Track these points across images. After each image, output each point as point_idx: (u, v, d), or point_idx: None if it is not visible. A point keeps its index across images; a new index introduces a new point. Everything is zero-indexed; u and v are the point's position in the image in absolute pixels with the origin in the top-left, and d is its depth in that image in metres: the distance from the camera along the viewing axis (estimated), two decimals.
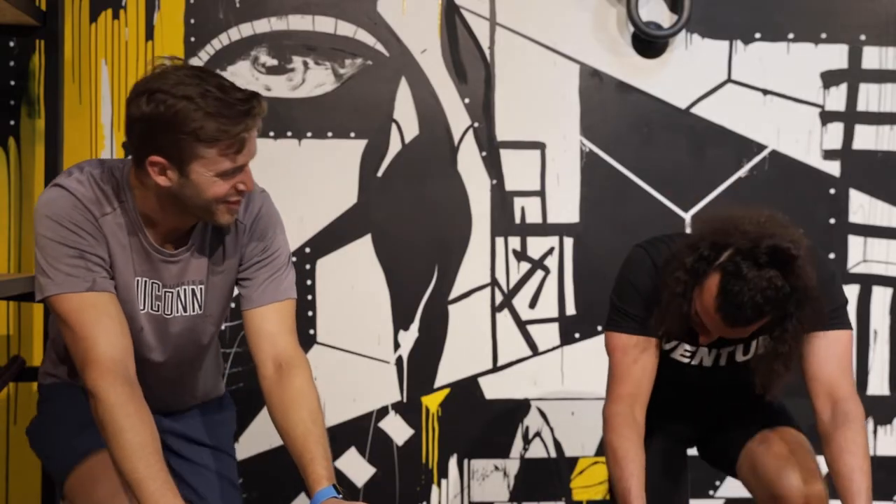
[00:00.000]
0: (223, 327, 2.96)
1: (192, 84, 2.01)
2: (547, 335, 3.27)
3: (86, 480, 2.17)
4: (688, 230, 2.95)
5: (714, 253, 2.22)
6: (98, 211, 2.12)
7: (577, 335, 3.27)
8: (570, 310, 3.27)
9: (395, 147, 3.23)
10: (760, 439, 2.52)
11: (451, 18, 3.22)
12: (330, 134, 3.21)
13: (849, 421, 2.32)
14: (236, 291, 2.33)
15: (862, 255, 3.31)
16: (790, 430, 2.53)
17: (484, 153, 3.25)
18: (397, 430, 3.26)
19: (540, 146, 3.25)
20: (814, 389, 2.37)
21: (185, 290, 2.23)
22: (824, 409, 2.35)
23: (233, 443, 2.56)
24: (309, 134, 3.20)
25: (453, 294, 3.25)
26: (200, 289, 2.25)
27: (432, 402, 3.26)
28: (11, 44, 3.12)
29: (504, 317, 3.26)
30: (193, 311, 2.26)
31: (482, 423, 3.27)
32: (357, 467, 3.25)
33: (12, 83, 3.14)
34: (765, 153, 3.28)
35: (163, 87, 2.01)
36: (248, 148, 2.07)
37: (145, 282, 2.19)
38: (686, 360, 2.47)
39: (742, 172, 3.27)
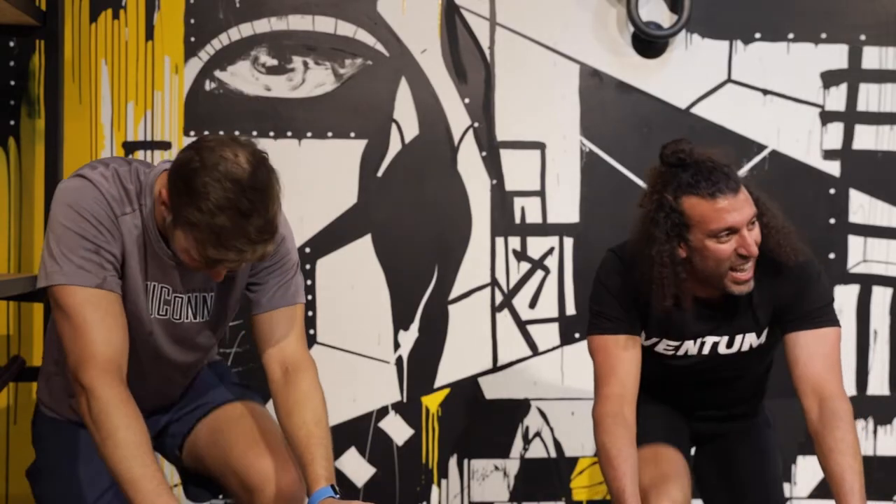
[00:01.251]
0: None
1: (227, 196, 1.97)
2: (547, 335, 3.27)
3: None
4: None
5: (664, 204, 2.29)
6: (119, 209, 2.11)
7: (577, 335, 3.27)
8: (570, 310, 3.27)
9: (395, 147, 3.23)
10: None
11: (451, 18, 3.22)
12: (330, 134, 3.21)
13: (837, 419, 2.31)
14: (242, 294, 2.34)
15: (862, 255, 3.31)
16: None
17: (484, 153, 3.25)
18: (397, 430, 3.26)
19: (540, 146, 3.25)
20: (801, 389, 2.37)
21: (195, 297, 2.24)
22: (812, 407, 2.34)
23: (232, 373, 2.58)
24: (309, 134, 3.20)
25: (453, 294, 3.25)
26: (211, 296, 2.26)
27: (432, 402, 3.26)
28: (11, 44, 3.12)
29: (504, 317, 3.26)
30: (203, 317, 2.26)
31: (482, 423, 3.27)
32: (357, 467, 3.25)
33: (12, 83, 3.14)
34: (765, 153, 3.28)
35: (206, 175, 1.98)
36: (226, 265, 2.06)
37: (155, 286, 2.19)
38: (671, 353, 2.47)
39: (742, 172, 3.27)
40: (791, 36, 3.28)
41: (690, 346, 2.46)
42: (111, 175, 2.13)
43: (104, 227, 2.09)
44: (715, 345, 2.46)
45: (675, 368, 2.50)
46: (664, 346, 2.47)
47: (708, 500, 2.67)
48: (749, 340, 2.45)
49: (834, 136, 3.29)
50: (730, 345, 2.46)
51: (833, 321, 2.41)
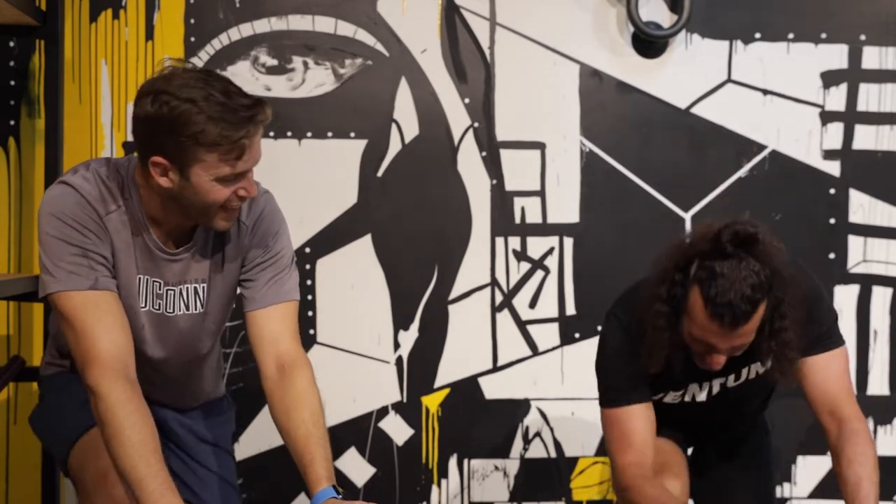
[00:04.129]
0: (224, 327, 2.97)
1: (197, 87, 2.01)
2: (547, 335, 3.27)
3: (89, 451, 2.18)
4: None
5: (682, 273, 2.18)
6: (103, 209, 2.12)
7: (577, 335, 3.27)
8: (570, 310, 3.27)
9: (395, 147, 3.23)
10: None
11: (451, 18, 3.22)
12: (330, 134, 3.21)
13: (857, 436, 2.31)
14: (238, 291, 2.33)
15: (862, 255, 3.30)
16: None
17: (484, 153, 3.25)
18: (397, 430, 3.25)
19: (540, 146, 3.25)
20: (818, 410, 2.37)
21: (187, 288, 2.24)
22: (831, 427, 2.34)
23: (232, 443, 2.57)
24: (309, 134, 3.20)
25: (453, 294, 3.25)
26: (203, 287, 2.26)
27: (432, 402, 3.26)
28: (11, 44, 3.12)
29: (504, 317, 3.26)
30: (196, 309, 2.26)
31: (482, 423, 3.27)
32: (357, 467, 3.25)
33: (12, 83, 3.14)
34: (765, 153, 3.28)
35: (168, 88, 2.02)
36: (250, 154, 2.07)
37: (147, 280, 2.19)
38: (678, 402, 2.45)
39: (742, 172, 3.27)
40: (791, 36, 3.27)
41: (696, 390, 2.44)
42: (92, 177, 2.13)
43: (89, 229, 2.10)
44: (723, 384, 2.43)
45: (682, 408, 2.49)
46: (671, 398, 2.44)
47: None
48: (755, 368, 2.41)
49: (834, 136, 3.29)
50: (737, 378, 2.43)
51: (839, 340, 2.39)
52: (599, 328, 3.20)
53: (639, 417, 2.36)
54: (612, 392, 2.38)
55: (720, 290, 2.12)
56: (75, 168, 2.17)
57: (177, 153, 2.03)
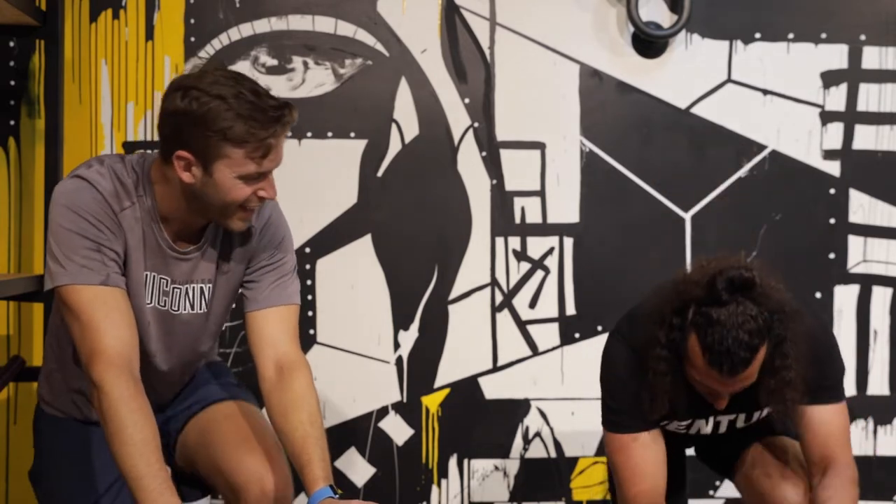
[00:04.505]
0: (223, 327, 2.97)
1: (228, 85, 2.05)
2: (547, 335, 3.27)
3: None
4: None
5: (679, 317, 2.13)
6: (118, 205, 2.13)
7: (577, 335, 3.27)
8: (570, 310, 3.27)
9: (395, 147, 3.23)
10: (756, 449, 2.49)
11: (451, 18, 3.22)
12: (330, 134, 3.21)
13: (841, 477, 2.26)
14: (239, 292, 2.34)
15: (862, 255, 3.30)
16: (784, 442, 2.48)
17: (484, 153, 3.25)
18: (397, 430, 3.26)
19: (540, 146, 3.25)
20: (809, 459, 2.32)
21: (193, 287, 2.25)
22: (817, 476, 2.29)
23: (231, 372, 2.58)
24: (309, 134, 3.21)
25: (453, 294, 3.25)
26: (209, 287, 2.26)
27: (432, 402, 3.26)
28: (11, 44, 3.12)
29: (504, 317, 3.26)
30: (200, 309, 2.27)
31: (482, 423, 3.27)
32: (357, 467, 3.25)
33: (12, 83, 3.14)
34: (765, 153, 3.28)
35: (199, 84, 2.05)
36: (274, 155, 2.10)
37: (154, 276, 2.20)
38: (682, 432, 2.42)
39: (742, 172, 3.27)
40: (791, 36, 3.27)
41: (703, 425, 2.39)
42: (107, 172, 2.14)
43: (104, 224, 2.11)
44: (732, 422, 2.40)
45: (689, 437, 2.46)
46: (675, 426, 2.39)
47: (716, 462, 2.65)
48: (768, 411, 2.37)
49: (834, 136, 3.29)
50: (748, 419, 2.40)
51: (842, 395, 2.34)
52: (599, 328, 3.24)
53: (648, 445, 2.29)
54: (619, 416, 2.31)
55: (717, 338, 2.07)
56: (89, 162, 2.18)
57: (203, 148, 2.06)
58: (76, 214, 2.09)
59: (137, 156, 2.22)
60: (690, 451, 2.69)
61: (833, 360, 2.32)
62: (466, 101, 3.24)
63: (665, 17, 3.25)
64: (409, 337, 3.25)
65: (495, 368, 3.27)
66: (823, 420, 2.30)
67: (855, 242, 3.30)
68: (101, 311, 2.07)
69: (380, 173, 3.23)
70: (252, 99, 2.04)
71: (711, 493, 3.29)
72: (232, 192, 2.09)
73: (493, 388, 3.27)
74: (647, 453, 2.29)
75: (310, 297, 3.20)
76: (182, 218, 2.18)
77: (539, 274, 3.27)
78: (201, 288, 2.26)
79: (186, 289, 2.24)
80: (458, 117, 3.23)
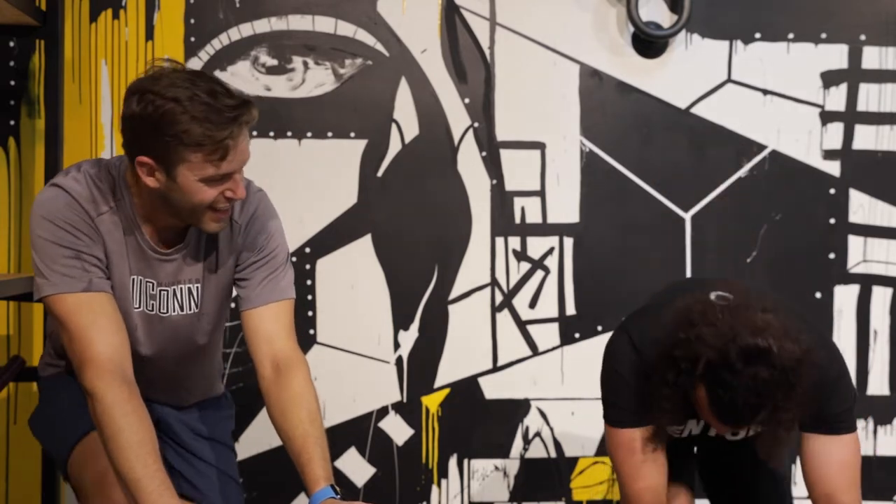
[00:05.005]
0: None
1: (183, 87, 2.02)
2: (547, 335, 3.27)
3: (87, 455, 2.18)
4: (662, 307, 2.40)
5: (690, 364, 2.09)
6: (94, 210, 2.12)
7: (577, 335, 3.27)
8: (570, 310, 3.27)
9: (395, 147, 3.23)
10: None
11: (451, 18, 3.22)
12: (330, 134, 3.21)
13: None
14: (234, 292, 2.33)
15: (862, 255, 3.30)
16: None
17: (484, 153, 3.24)
18: (397, 430, 3.25)
19: (540, 146, 3.25)
20: (812, 493, 2.27)
21: (181, 288, 2.24)
22: None
23: (232, 439, 2.56)
24: (309, 134, 3.20)
25: (453, 294, 3.25)
26: (197, 287, 2.25)
27: (432, 402, 3.26)
28: (11, 44, 3.12)
29: (504, 317, 3.26)
30: (190, 309, 2.26)
31: (482, 423, 3.27)
32: (357, 467, 3.25)
33: (12, 83, 3.14)
34: (765, 153, 3.28)
35: (153, 88, 2.03)
36: (235, 155, 2.06)
37: (140, 280, 2.19)
38: (677, 435, 2.39)
39: (742, 172, 3.27)
40: (791, 36, 3.27)
41: (694, 426, 2.37)
42: (83, 178, 2.14)
43: (81, 231, 2.10)
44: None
45: (682, 439, 2.45)
46: (669, 430, 2.35)
47: (713, 495, 2.65)
48: (755, 429, 2.31)
49: (834, 136, 3.29)
50: (734, 434, 2.35)
51: (851, 426, 2.27)
52: (599, 328, 3.23)
53: (650, 440, 2.28)
54: (621, 412, 2.29)
55: (726, 399, 2.05)
56: (66, 170, 2.17)
57: (162, 153, 2.03)
58: (52, 224, 2.09)
59: (116, 159, 2.21)
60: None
61: (838, 390, 2.25)
62: (466, 101, 3.23)
63: (665, 17, 3.25)
64: (409, 337, 3.25)
65: (495, 368, 3.27)
66: (825, 451, 2.24)
67: (855, 242, 3.30)
68: (87, 317, 2.07)
69: (380, 173, 3.23)
70: (207, 100, 2.01)
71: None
72: (197, 195, 2.07)
73: (493, 388, 3.27)
74: (648, 448, 2.28)
75: (310, 297, 3.20)
76: (161, 219, 2.17)
77: (539, 274, 3.27)
78: (189, 288, 2.25)
79: (174, 290, 2.23)
80: (458, 117, 3.23)
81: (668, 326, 2.16)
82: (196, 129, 2.00)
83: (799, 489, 3.26)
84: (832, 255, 3.29)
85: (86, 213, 2.11)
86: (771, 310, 2.12)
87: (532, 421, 3.28)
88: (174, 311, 2.24)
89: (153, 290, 2.21)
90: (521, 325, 3.27)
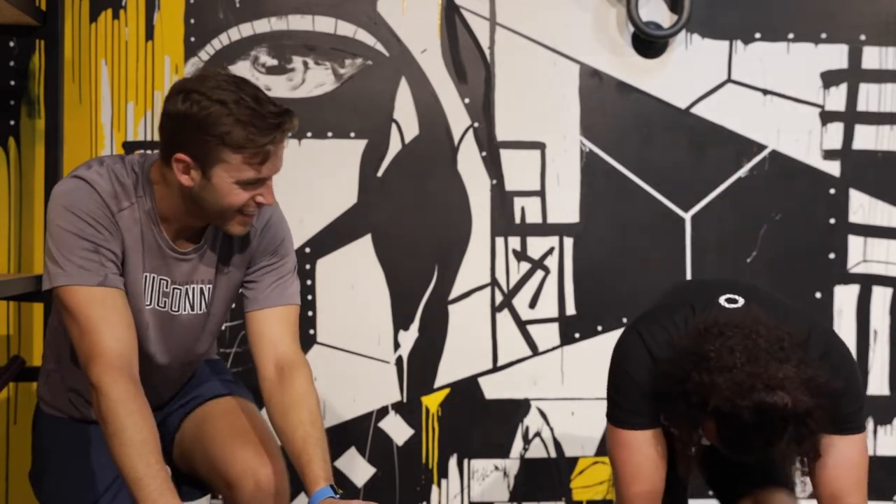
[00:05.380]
0: (223, 327, 2.97)
1: (229, 90, 2.05)
2: (547, 335, 3.27)
3: None
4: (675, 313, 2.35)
5: (700, 398, 2.07)
6: (115, 206, 2.13)
7: (577, 335, 3.27)
8: (570, 310, 3.27)
9: (395, 147, 3.23)
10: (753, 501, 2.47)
11: (451, 18, 3.22)
12: (330, 134, 3.21)
13: None
14: (239, 292, 2.34)
15: (862, 255, 3.30)
16: (782, 497, 2.45)
17: (484, 153, 3.25)
18: (397, 430, 3.26)
19: (540, 146, 3.25)
20: (819, 493, 2.26)
21: (193, 288, 2.25)
22: None
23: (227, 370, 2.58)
24: (309, 134, 3.20)
25: (453, 294, 3.25)
26: (209, 288, 2.26)
27: (432, 402, 3.26)
28: (11, 44, 3.12)
29: (504, 317, 3.26)
30: (200, 310, 2.27)
31: (482, 423, 3.27)
32: (357, 467, 3.25)
33: (12, 83, 3.14)
34: (765, 153, 3.28)
35: (200, 88, 2.06)
36: (273, 162, 2.10)
37: (154, 278, 2.20)
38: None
39: (742, 172, 3.27)
40: (791, 36, 3.27)
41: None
42: (106, 172, 2.14)
43: (102, 225, 2.10)
44: None
45: None
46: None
47: (719, 491, 2.63)
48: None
49: (834, 136, 3.29)
50: None
51: (861, 426, 2.27)
52: (599, 328, 3.24)
53: (651, 443, 2.27)
54: (627, 413, 2.28)
55: (736, 438, 2.05)
56: (89, 163, 2.18)
57: (202, 152, 2.06)
58: (74, 215, 2.10)
59: (138, 156, 2.22)
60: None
61: (848, 392, 2.22)
62: (466, 101, 3.24)
63: (665, 17, 3.25)
64: (409, 337, 3.25)
65: (495, 368, 3.27)
66: (834, 452, 2.23)
67: (855, 242, 3.30)
68: (98, 311, 2.07)
69: (380, 173, 3.23)
70: (252, 105, 2.05)
71: (711, 492, 3.28)
72: (229, 196, 2.10)
73: (493, 388, 3.27)
74: (649, 452, 2.27)
75: (310, 297, 3.20)
76: (181, 219, 2.18)
77: (539, 274, 3.27)
78: (201, 289, 2.26)
79: (186, 289, 2.25)
80: (458, 117, 3.23)
81: (681, 349, 2.14)
82: (240, 132, 2.03)
83: (800, 488, 3.26)
84: (832, 255, 3.29)
85: (107, 208, 2.12)
86: (787, 347, 2.07)
87: (532, 421, 3.28)
88: (185, 310, 2.25)
89: (167, 287, 2.22)
90: (521, 325, 3.27)
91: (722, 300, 2.20)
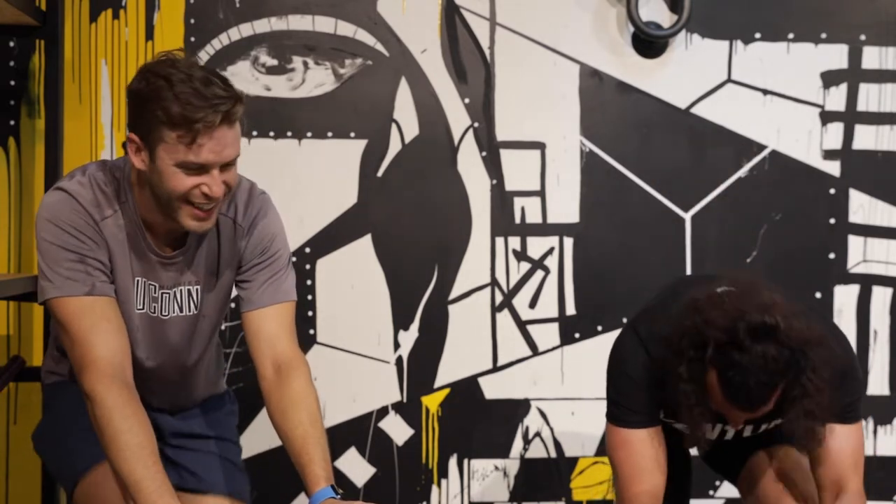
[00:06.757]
0: (223, 327, 2.97)
1: (182, 72, 2.03)
2: (547, 335, 3.27)
3: (94, 487, 2.18)
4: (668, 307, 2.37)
5: (698, 352, 2.11)
6: (99, 214, 2.13)
7: (577, 335, 3.27)
8: (570, 310, 3.27)
9: (395, 147, 3.23)
10: (761, 459, 2.47)
11: (451, 18, 3.22)
12: (330, 134, 3.21)
13: None
14: (235, 292, 2.33)
15: (862, 255, 3.30)
16: (790, 452, 2.46)
17: (484, 153, 3.25)
18: (397, 430, 3.25)
19: (540, 146, 3.25)
20: (819, 482, 2.30)
21: (181, 290, 2.24)
22: (828, 494, 2.28)
23: (237, 433, 2.56)
24: (309, 134, 3.20)
25: (453, 294, 3.25)
26: (196, 289, 2.26)
27: (432, 402, 3.26)
28: (11, 44, 3.12)
29: (504, 317, 3.26)
30: (190, 311, 2.26)
31: (482, 423, 3.27)
32: (357, 467, 3.25)
33: (12, 83, 3.14)
34: (765, 153, 3.28)
35: (154, 67, 2.05)
36: (211, 146, 2.04)
37: (143, 282, 2.20)
38: (688, 433, 2.36)
39: (742, 172, 3.27)
40: (791, 36, 3.27)
41: (708, 430, 2.35)
42: (88, 181, 2.14)
43: (86, 235, 2.11)
44: (739, 432, 2.38)
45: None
46: (681, 426, 2.35)
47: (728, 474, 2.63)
48: (776, 422, 2.34)
49: (834, 136, 3.29)
50: (755, 430, 2.38)
51: (859, 415, 2.31)
52: (599, 328, 3.24)
53: (651, 442, 2.28)
54: (626, 411, 2.30)
55: (738, 380, 2.06)
56: (72, 173, 2.18)
57: (146, 130, 2.05)
58: (57, 227, 2.10)
59: (121, 160, 2.22)
60: (693, 451, 2.69)
61: (850, 381, 2.28)
62: (466, 101, 3.24)
63: (665, 17, 3.25)
64: (409, 337, 3.25)
65: (495, 368, 3.27)
66: (835, 440, 2.26)
67: (855, 242, 3.30)
68: (88, 321, 2.07)
69: (380, 173, 3.23)
70: (197, 86, 2.02)
71: (711, 493, 3.29)
72: (171, 180, 2.06)
73: (493, 388, 3.27)
74: (648, 451, 2.28)
75: (310, 297, 3.20)
76: (161, 221, 2.17)
77: (539, 274, 3.27)
78: (189, 290, 2.25)
79: (175, 292, 2.24)
80: (458, 117, 3.23)
81: (676, 319, 2.17)
82: (175, 108, 2.00)
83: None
84: (832, 255, 3.29)
85: (90, 217, 2.12)
86: (779, 292, 2.14)
87: (532, 421, 3.28)
88: (174, 312, 2.25)
89: (155, 292, 2.21)
90: (521, 325, 3.27)
91: (719, 291, 2.21)
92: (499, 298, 3.26)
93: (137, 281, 2.19)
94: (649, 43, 3.24)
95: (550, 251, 3.27)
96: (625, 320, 3.16)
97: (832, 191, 3.29)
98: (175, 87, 2.01)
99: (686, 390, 2.15)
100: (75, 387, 2.29)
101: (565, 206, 3.26)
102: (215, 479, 2.39)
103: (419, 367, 3.25)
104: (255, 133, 3.16)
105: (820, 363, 2.12)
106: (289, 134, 3.20)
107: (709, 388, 2.13)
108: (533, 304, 3.27)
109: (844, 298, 3.30)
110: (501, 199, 3.25)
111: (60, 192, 2.13)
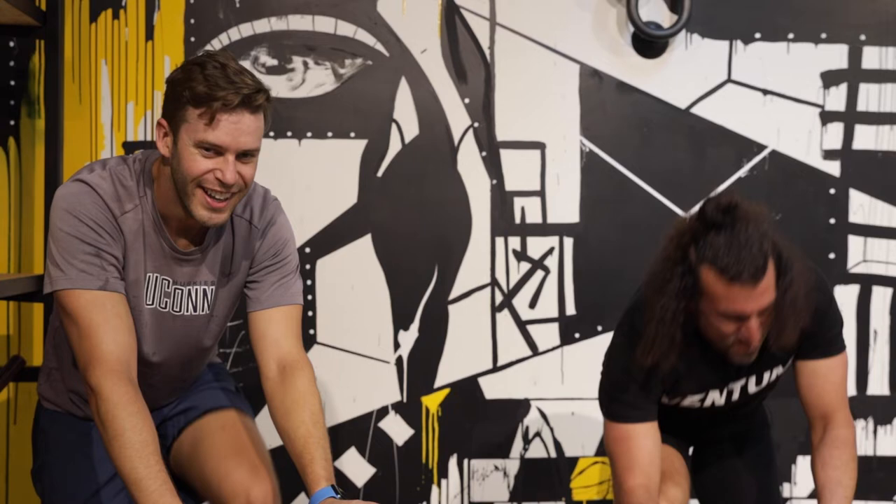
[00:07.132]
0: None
1: (216, 61, 2.08)
2: (547, 335, 3.27)
3: None
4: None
5: (684, 262, 2.18)
6: (118, 209, 2.13)
7: (577, 335, 3.27)
8: (570, 310, 3.27)
9: (395, 147, 3.23)
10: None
11: (451, 18, 3.22)
12: (330, 134, 3.21)
13: (839, 442, 2.35)
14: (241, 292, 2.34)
15: (862, 255, 3.31)
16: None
17: (484, 153, 3.25)
18: (397, 430, 3.26)
19: (540, 146, 3.25)
20: (810, 414, 2.40)
21: (196, 289, 2.25)
22: (818, 428, 2.38)
23: (230, 376, 2.59)
24: (309, 134, 3.20)
25: (453, 294, 3.25)
26: (212, 289, 2.27)
27: (432, 402, 3.26)
28: (11, 44, 3.12)
29: (504, 317, 3.26)
30: (203, 310, 2.27)
31: (482, 423, 3.27)
32: (357, 467, 3.25)
33: (12, 83, 3.14)
34: (765, 153, 3.28)
35: (194, 59, 2.12)
36: (229, 128, 2.07)
37: (156, 277, 2.20)
38: (697, 406, 2.43)
39: (742, 172, 3.27)
40: (791, 36, 3.28)
41: (717, 397, 2.41)
42: (108, 175, 2.15)
43: (104, 229, 2.11)
44: (744, 387, 2.42)
45: (696, 412, 2.47)
46: (689, 402, 2.42)
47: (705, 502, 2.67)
48: (777, 372, 2.42)
49: (834, 136, 3.29)
50: (759, 382, 2.43)
51: (842, 345, 2.40)
52: (599, 328, 3.23)
53: (647, 436, 2.33)
54: (621, 407, 2.34)
55: (731, 256, 2.12)
56: (91, 165, 2.18)
57: (173, 111, 2.10)
58: (76, 219, 2.10)
59: (141, 154, 2.23)
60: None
61: (833, 310, 2.38)
62: (466, 101, 3.24)
63: (665, 17, 3.25)
64: (409, 337, 3.25)
65: (495, 368, 3.27)
66: (821, 374, 2.37)
67: (855, 242, 3.30)
68: (99, 316, 2.07)
69: (380, 173, 3.23)
70: (228, 73, 2.07)
71: None
72: (188, 161, 2.09)
73: (493, 388, 3.27)
74: (645, 444, 2.32)
75: (310, 297, 3.20)
76: (179, 216, 2.18)
77: (539, 274, 3.27)
78: (204, 290, 2.26)
79: (189, 290, 2.25)
80: (458, 117, 3.24)
81: (652, 271, 2.28)
82: (200, 87, 2.05)
83: (800, 489, 3.27)
84: (832, 255, 3.29)
85: (110, 212, 2.12)
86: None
87: (532, 421, 3.28)
88: (187, 310, 2.25)
89: (168, 287, 2.22)
90: (521, 325, 3.27)
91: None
92: (499, 298, 3.26)
93: (149, 276, 2.19)
94: (649, 43, 3.24)
95: (550, 251, 3.27)
96: None
97: (832, 191, 3.29)
98: (206, 71, 2.06)
99: (666, 304, 2.20)
100: (72, 421, 2.31)
101: (565, 206, 3.26)
102: (219, 400, 2.42)
103: (419, 367, 3.25)
104: None
105: (794, 256, 2.23)
106: (289, 134, 3.20)
107: (709, 292, 2.16)
108: (533, 304, 3.27)
109: (844, 298, 3.30)
110: (501, 199, 3.25)
111: (81, 183, 2.13)
